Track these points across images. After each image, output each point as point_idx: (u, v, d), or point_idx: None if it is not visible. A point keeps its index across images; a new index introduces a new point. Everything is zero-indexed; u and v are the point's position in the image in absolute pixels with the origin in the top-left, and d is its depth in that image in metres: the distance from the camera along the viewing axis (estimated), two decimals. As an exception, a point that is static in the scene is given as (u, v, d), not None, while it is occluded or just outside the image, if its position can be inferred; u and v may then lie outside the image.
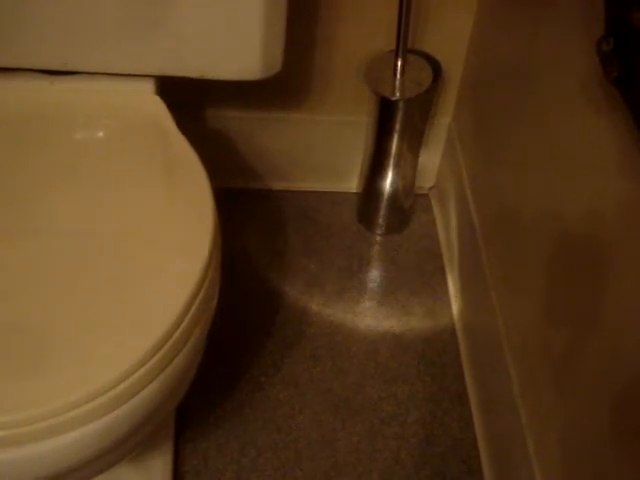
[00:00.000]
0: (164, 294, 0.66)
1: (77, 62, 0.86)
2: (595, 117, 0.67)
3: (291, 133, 1.24)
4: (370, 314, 1.18)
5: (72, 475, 0.63)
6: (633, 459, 0.61)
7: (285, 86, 1.16)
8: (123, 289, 0.68)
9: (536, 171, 0.84)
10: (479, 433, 1.04)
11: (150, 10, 0.81)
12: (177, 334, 0.64)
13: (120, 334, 0.63)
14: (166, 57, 0.86)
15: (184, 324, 0.65)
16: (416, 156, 1.22)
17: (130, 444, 0.67)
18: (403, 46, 1.05)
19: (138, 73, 0.87)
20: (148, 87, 0.87)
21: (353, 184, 1.34)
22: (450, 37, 1.11)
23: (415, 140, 1.19)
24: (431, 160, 1.30)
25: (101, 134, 0.84)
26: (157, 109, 0.85)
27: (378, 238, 1.29)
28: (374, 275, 1.24)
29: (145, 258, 0.70)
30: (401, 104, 1.09)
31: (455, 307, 1.19)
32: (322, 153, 1.28)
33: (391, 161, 1.19)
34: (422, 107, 1.14)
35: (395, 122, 1.12)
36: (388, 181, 1.22)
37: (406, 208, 1.29)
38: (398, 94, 1.09)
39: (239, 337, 1.13)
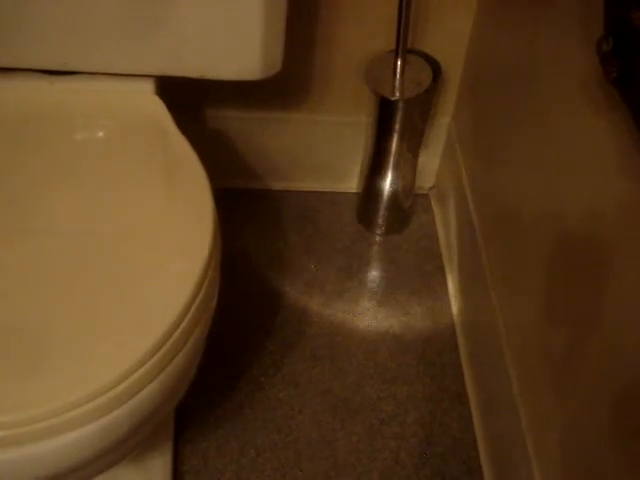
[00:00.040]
0: (164, 294, 0.66)
1: (77, 62, 0.86)
2: (595, 117, 0.67)
3: (291, 133, 1.24)
4: (370, 314, 1.18)
5: (72, 475, 0.63)
6: (633, 459, 0.61)
7: (285, 86, 1.16)
8: (123, 289, 0.68)
9: (536, 171, 0.84)
10: (479, 433, 1.04)
11: (150, 10, 0.81)
12: (177, 334, 0.64)
13: (120, 334, 0.63)
14: (166, 57, 0.86)
15: (184, 324, 0.65)
16: (416, 156, 1.22)
17: (130, 444, 0.67)
18: (403, 46, 1.05)
19: (138, 73, 0.87)
20: (148, 87, 0.87)
21: (353, 184, 1.34)
22: (450, 37, 1.11)
23: (415, 140, 1.19)
24: (431, 160, 1.30)
25: (101, 134, 0.84)
26: (157, 109, 0.85)
27: (378, 238, 1.29)
28: (374, 275, 1.24)
29: (145, 258, 0.70)
30: (401, 104, 1.09)
31: (455, 307, 1.19)
32: (322, 153, 1.28)
33: (391, 161, 1.19)
34: (422, 107, 1.14)
35: (395, 122, 1.12)
36: (388, 181, 1.22)
37: (406, 208, 1.29)
38: (398, 94, 1.09)
39: (239, 337, 1.13)
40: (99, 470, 0.68)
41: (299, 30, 1.06)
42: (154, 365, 0.62)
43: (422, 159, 1.25)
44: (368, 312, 1.18)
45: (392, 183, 1.22)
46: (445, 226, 1.27)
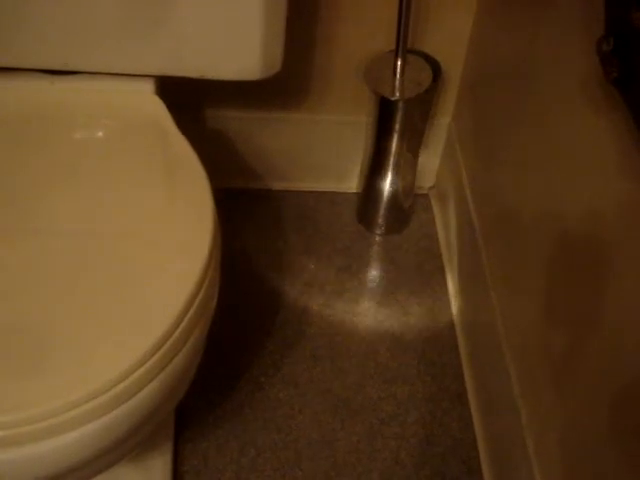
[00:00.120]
0: (164, 294, 0.66)
1: (77, 62, 0.86)
2: (595, 117, 0.67)
3: (291, 133, 1.24)
4: (370, 314, 1.18)
5: (72, 475, 0.63)
6: (633, 459, 0.61)
7: (285, 86, 1.16)
8: (123, 289, 0.68)
9: (536, 171, 0.84)
10: (479, 433, 1.04)
11: (150, 10, 0.81)
12: (177, 334, 0.64)
13: (120, 334, 0.63)
14: (166, 57, 0.86)
15: (184, 324, 0.65)
16: (416, 156, 1.22)
17: (130, 444, 0.67)
18: (403, 46, 1.05)
19: (138, 73, 0.87)
20: (148, 87, 0.87)
21: (353, 184, 1.34)
22: (450, 37, 1.11)
23: (415, 140, 1.19)
24: (431, 160, 1.30)
25: (101, 134, 0.84)
26: (157, 109, 0.85)
27: (378, 238, 1.29)
28: (374, 275, 1.24)
29: (145, 258, 0.70)
30: (401, 104, 1.09)
31: (455, 307, 1.19)
32: (322, 153, 1.28)
33: (391, 161, 1.19)
34: (422, 107, 1.14)
35: (395, 122, 1.12)
36: (388, 181, 1.22)
37: (406, 208, 1.29)
38: (398, 94, 1.09)
39: (239, 337, 1.13)
40: (99, 470, 0.68)
41: (299, 30, 1.06)
42: (154, 365, 0.62)
43: (422, 159, 1.25)
44: (368, 312, 1.18)
45: (392, 183, 1.22)
46: (445, 226, 1.27)
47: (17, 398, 0.58)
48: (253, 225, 1.28)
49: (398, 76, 1.09)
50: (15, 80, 0.86)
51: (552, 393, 0.77)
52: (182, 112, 0.85)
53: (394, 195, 1.24)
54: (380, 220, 1.28)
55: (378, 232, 1.29)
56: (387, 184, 1.22)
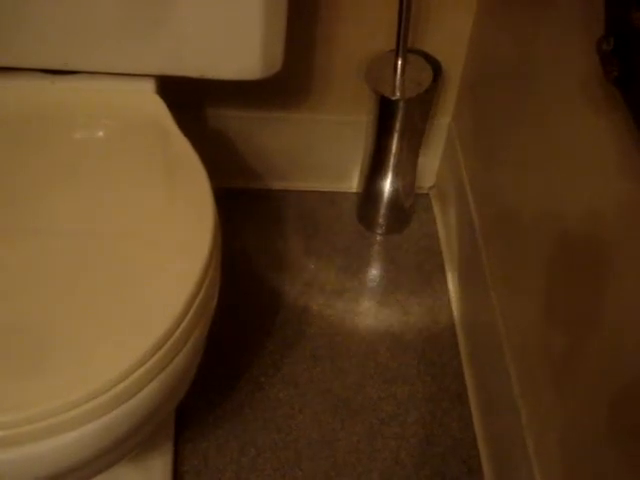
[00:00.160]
0: (164, 294, 0.66)
1: (77, 62, 0.86)
2: (595, 117, 0.67)
3: (291, 133, 1.24)
4: (370, 314, 1.18)
5: (72, 475, 0.63)
6: (633, 459, 0.61)
7: (285, 86, 1.16)
8: (123, 289, 0.68)
9: (536, 171, 0.84)
10: (479, 433, 1.04)
11: (150, 10, 0.81)
12: (177, 334, 0.64)
13: (120, 334, 0.63)
14: (166, 57, 0.86)
15: (184, 324, 0.65)
16: (416, 156, 1.22)
17: (130, 444, 0.67)
18: (403, 46, 1.05)
19: (138, 73, 0.87)
20: (148, 87, 0.87)
21: (353, 184, 1.34)
22: (450, 37, 1.11)
23: (415, 140, 1.19)
24: (431, 160, 1.30)
25: (101, 134, 0.84)
26: (157, 109, 0.85)
27: (378, 238, 1.29)
28: (374, 275, 1.24)
29: (145, 258, 0.70)
30: (401, 104, 1.09)
31: (455, 307, 1.19)
32: (322, 153, 1.28)
33: (391, 161, 1.19)
34: (422, 107, 1.14)
35: (395, 122, 1.12)
36: (388, 181, 1.22)
37: (406, 208, 1.29)
38: (398, 94, 1.09)
39: (239, 337, 1.13)
40: (99, 470, 0.68)
41: (299, 30, 1.06)
42: (154, 365, 0.62)
43: (422, 159, 1.25)
44: (368, 312, 1.18)
45: (392, 183, 1.22)
46: (445, 226, 1.27)
47: (17, 398, 0.58)
48: (253, 225, 1.28)
49: (398, 76, 1.09)
50: (15, 80, 0.86)
51: (552, 393, 0.77)
52: (182, 112, 0.85)
53: (394, 195, 1.24)
54: (380, 220, 1.28)
55: (378, 232, 1.29)
56: (387, 184, 1.22)
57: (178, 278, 0.67)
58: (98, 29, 0.82)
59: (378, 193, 1.24)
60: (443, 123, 1.24)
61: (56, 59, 0.85)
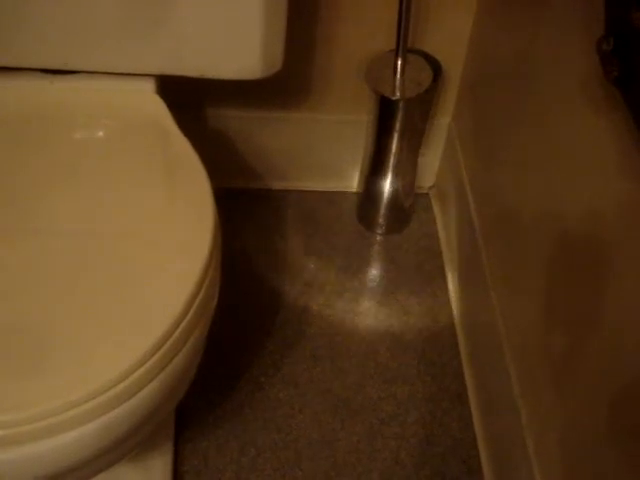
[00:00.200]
0: (164, 294, 0.66)
1: (77, 61, 0.86)
2: (595, 117, 0.67)
3: (291, 132, 1.24)
4: (370, 314, 1.18)
5: (72, 474, 0.63)
6: (633, 459, 0.61)
7: (285, 85, 1.16)
8: (123, 289, 0.68)
9: (536, 171, 0.84)
10: (479, 433, 1.04)
11: (150, 10, 0.81)
12: (177, 334, 0.64)
13: (120, 334, 0.63)
14: (166, 57, 0.86)
15: (184, 324, 0.65)
16: (416, 156, 1.22)
17: (130, 444, 0.67)
18: (403, 46, 1.05)
19: (138, 72, 0.87)
20: (148, 86, 0.87)
21: (353, 184, 1.34)
22: (450, 37, 1.11)
23: (415, 140, 1.19)
24: (431, 160, 1.30)
25: (101, 134, 0.84)
26: (157, 108, 0.85)
27: (378, 238, 1.29)
28: (374, 275, 1.24)
29: (145, 258, 0.70)
30: (401, 104, 1.09)
31: (455, 307, 1.19)
32: (322, 152, 1.28)
33: (391, 161, 1.19)
34: (422, 107, 1.14)
35: (395, 122, 1.12)
36: (388, 181, 1.22)
37: (406, 208, 1.29)
38: (398, 94, 1.09)
39: (239, 337, 1.13)
40: (99, 469, 0.68)
41: (299, 30, 1.06)
42: (154, 365, 0.62)
43: (422, 159, 1.25)
44: (368, 312, 1.18)
45: (392, 183, 1.22)
46: (445, 226, 1.27)
47: (17, 398, 0.58)
48: (253, 225, 1.28)
49: (398, 76, 1.09)
50: (15, 80, 0.86)
51: (552, 393, 0.77)
52: (182, 111, 0.85)
53: (394, 195, 1.24)
54: (380, 220, 1.28)
55: (378, 232, 1.29)
56: (387, 184, 1.22)
57: (178, 278, 0.67)
58: (98, 29, 0.82)
59: (378, 193, 1.24)
60: (443, 123, 1.24)
61: (56, 59, 0.85)
